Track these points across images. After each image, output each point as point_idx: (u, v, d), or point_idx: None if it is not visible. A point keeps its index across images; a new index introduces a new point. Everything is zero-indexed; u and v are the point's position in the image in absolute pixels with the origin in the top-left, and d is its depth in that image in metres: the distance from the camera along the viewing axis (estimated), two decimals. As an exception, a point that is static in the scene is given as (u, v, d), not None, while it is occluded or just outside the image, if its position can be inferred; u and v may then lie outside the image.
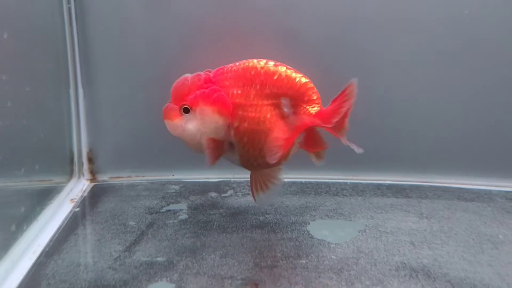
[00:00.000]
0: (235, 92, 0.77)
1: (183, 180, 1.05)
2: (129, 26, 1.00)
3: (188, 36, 1.00)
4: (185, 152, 1.02)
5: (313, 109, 0.77)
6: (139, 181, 1.04)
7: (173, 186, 1.01)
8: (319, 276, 0.68)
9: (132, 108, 1.04)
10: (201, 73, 0.80)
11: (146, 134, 1.05)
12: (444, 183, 1.03)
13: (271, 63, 0.78)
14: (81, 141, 1.03)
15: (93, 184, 1.02)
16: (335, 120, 0.73)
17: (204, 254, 0.74)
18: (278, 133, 0.76)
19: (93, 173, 1.04)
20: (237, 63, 0.79)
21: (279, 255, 0.74)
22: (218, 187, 1.01)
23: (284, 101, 0.76)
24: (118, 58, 1.01)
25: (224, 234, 0.80)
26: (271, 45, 0.99)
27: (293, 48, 0.99)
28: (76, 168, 1.01)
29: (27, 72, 0.78)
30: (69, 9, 0.96)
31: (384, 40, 0.99)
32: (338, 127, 0.74)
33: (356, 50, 0.99)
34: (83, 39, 0.99)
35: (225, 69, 0.79)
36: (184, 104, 0.78)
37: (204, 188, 1.00)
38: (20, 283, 0.65)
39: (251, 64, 0.78)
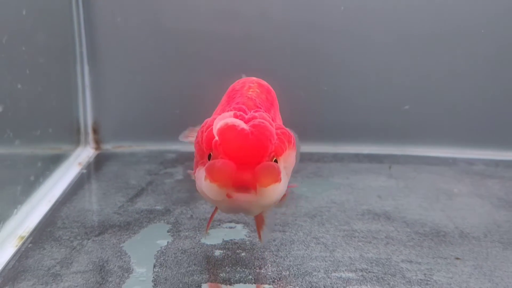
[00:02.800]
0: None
1: (180, 150, 1.15)
2: (132, 7, 1.10)
3: (190, 17, 1.10)
4: (182, 126, 1.15)
5: None
6: (140, 150, 1.15)
7: (171, 154, 1.12)
8: (295, 220, 0.79)
9: (134, 84, 1.14)
10: (241, 108, 0.56)
11: (146, 108, 1.16)
12: (415, 151, 1.14)
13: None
14: (86, 113, 1.13)
15: (98, 152, 1.13)
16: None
17: (197, 204, 0.85)
18: None
19: (97, 142, 1.15)
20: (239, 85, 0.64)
21: (262, 205, 0.85)
22: (211, 155, 1.12)
23: None
24: (121, 38, 1.12)
25: (215, 191, 0.91)
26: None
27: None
28: (82, 137, 1.12)
29: (41, 46, 0.88)
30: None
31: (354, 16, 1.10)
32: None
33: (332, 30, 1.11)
34: (88, 19, 1.10)
35: (246, 92, 0.61)
36: (274, 157, 0.52)
37: (198, 156, 1.11)
38: (39, 222, 0.76)
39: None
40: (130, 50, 1.13)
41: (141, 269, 0.64)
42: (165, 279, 0.62)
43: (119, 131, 1.17)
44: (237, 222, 0.78)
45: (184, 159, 1.09)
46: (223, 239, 0.73)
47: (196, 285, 0.61)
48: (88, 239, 0.71)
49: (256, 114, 0.53)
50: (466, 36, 1.08)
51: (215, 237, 0.73)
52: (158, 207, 0.83)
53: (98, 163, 1.07)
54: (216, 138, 0.49)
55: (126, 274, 0.63)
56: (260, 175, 0.47)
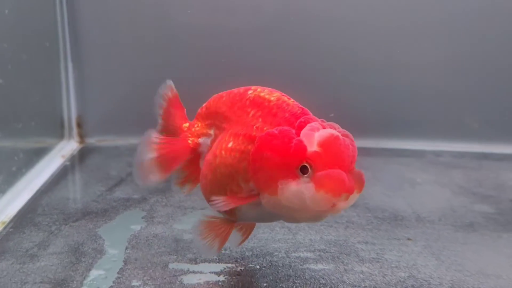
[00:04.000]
0: None
1: (161, 143, 1.19)
2: (115, 4, 1.15)
3: (173, 13, 1.14)
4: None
5: None
6: (122, 144, 1.19)
7: (152, 147, 1.16)
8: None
9: (117, 80, 1.19)
10: (310, 117, 0.55)
11: (129, 103, 1.20)
12: (387, 144, 1.18)
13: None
14: (70, 108, 1.18)
15: (82, 145, 1.17)
16: None
17: (173, 193, 0.89)
18: None
19: (82, 136, 1.19)
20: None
21: (235, 194, 0.89)
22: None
23: None
24: (105, 36, 1.16)
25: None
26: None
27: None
28: (66, 131, 1.16)
29: (23, 44, 0.92)
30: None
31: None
32: None
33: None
34: (72, 18, 1.14)
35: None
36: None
37: (179, 149, 1.16)
38: (21, 208, 0.80)
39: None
40: (113, 47, 1.17)
41: (114, 251, 0.68)
42: (135, 259, 0.66)
43: (103, 126, 1.21)
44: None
45: (164, 152, 1.13)
46: (193, 224, 0.77)
47: (164, 264, 0.65)
48: (66, 225, 0.76)
49: (330, 123, 0.54)
50: (435, 31, 1.13)
51: (186, 223, 0.77)
52: (135, 196, 0.88)
53: (81, 156, 1.11)
54: (316, 149, 0.50)
55: (99, 255, 0.67)
56: (359, 181, 0.51)
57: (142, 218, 0.79)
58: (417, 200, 0.85)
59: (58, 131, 1.14)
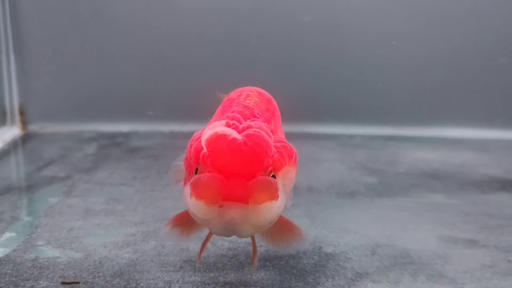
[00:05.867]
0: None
1: (98, 130, 1.27)
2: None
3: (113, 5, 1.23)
4: (101, 109, 1.28)
5: None
6: (62, 130, 1.26)
7: (88, 134, 1.24)
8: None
9: (57, 71, 1.27)
10: (236, 116, 0.51)
11: (69, 92, 1.28)
12: (312, 130, 1.27)
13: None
14: (13, 97, 1.25)
15: (24, 132, 1.25)
16: None
17: (97, 172, 0.98)
18: None
19: (24, 123, 1.27)
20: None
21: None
22: (127, 135, 1.25)
23: None
24: (46, 28, 1.24)
25: (119, 163, 1.04)
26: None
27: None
28: (9, 119, 1.24)
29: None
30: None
31: None
32: None
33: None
34: (14, 9, 1.22)
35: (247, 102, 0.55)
36: (271, 171, 0.47)
37: (115, 135, 1.24)
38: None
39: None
40: (54, 39, 1.25)
41: (29, 218, 0.77)
42: (46, 225, 0.75)
43: (45, 114, 1.29)
44: (124, 185, 0.91)
45: (99, 137, 1.21)
46: (108, 197, 0.86)
47: (70, 228, 0.74)
48: (-10, 198, 0.84)
49: (252, 123, 0.48)
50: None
51: (100, 196, 0.86)
52: (61, 174, 0.96)
53: (22, 141, 1.19)
54: (205, 149, 0.45)
55: (15, 222, 0.75)
56: (254, 190, 0.43)
57: (62, 192, 0.87)
58: (314, 175, 0.95)
59: (0, 119, 1.22)
